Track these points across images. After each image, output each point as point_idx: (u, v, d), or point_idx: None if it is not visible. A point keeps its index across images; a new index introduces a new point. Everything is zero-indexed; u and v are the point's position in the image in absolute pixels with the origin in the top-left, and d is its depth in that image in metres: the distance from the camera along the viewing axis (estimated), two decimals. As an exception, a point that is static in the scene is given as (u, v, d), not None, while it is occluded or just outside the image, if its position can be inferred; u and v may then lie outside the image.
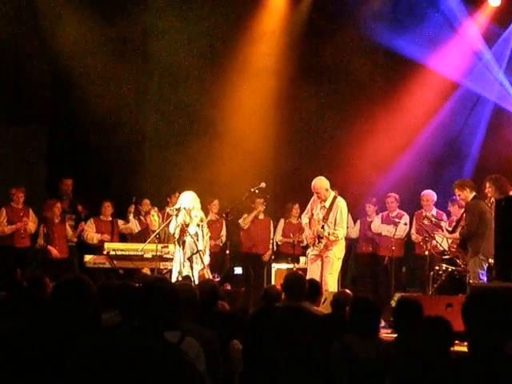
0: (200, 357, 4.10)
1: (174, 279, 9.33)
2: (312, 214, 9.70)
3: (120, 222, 11.36)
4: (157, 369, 3.15)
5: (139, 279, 9.16)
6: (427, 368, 4.14)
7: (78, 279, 3.86)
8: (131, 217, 11.30)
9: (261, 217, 11.93)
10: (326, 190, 9.57)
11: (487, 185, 9.49)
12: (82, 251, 10.84)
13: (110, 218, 11.29)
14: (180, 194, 11.01)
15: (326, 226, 9.46)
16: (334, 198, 9.61)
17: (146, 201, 11.57)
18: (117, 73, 12.04)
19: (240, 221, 11.67)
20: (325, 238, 9.42)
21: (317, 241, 9.50)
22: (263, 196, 10.84)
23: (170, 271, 9.87)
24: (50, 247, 10.72)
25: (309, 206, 9.85)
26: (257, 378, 3.88)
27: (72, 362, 3.24)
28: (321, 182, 9.58)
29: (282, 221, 11.96)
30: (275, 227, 11.98)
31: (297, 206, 11.72)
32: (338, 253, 9.51)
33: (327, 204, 9.57)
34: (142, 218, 11.47)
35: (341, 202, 9.60)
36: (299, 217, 11.61)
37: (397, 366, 4.31)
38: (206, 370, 4.37)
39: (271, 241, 11.92)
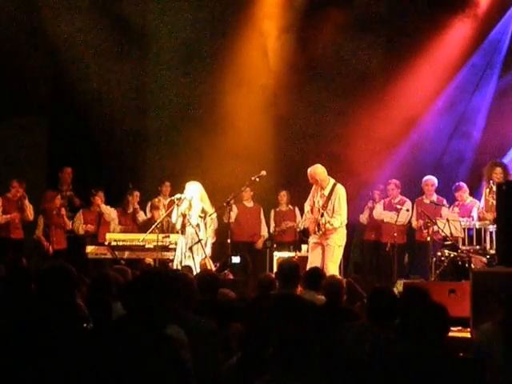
0: (183, 346, 4.10)
1: (174, 268, 9.35)
2: (313, 202, 9.65)
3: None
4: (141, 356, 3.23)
5: (142, 269, 9.15)
6: (422, 355, 4.15)
7: (60, 267, 3.93)
8: (104, 207, 11.22)
9: (250, 205, 11.87)
10: (322, 178, 9.50)
11: (499, 170, 9.46)
12: (83, 242, 10.83)
13: (99, 209, 11.26)
14: (170, 183, 11.05)
15: (325, 214, 9.41)
16: (334, 185, 9.52)
17: (137, 193, 11.51)
18: (117, 64, 12.01)
19: (223, 217, 11.55)
20: (321, 225, 9.38)
21: (316, 229, 9.47)
22: (249, 184, 10.68)
23: (172, 261, 9.90)
24: (46, 243, 10.73)
25: (310, 194, 9.82)
26: (253, 367, 3.88)
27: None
28: (315, 170, 9.50)
29: (272, 211, 11.92)
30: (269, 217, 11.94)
31: (283, 192, 11.70)
32: (338, 240, 9.46)
33: (326, 192, 9.49)
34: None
35: (340, 190, 9.50)
36: (288, 203, 11.62)
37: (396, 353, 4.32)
38: (205, 360, 4.36)
39: (265, 228, 11.85)
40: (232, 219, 11.29)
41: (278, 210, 11.87)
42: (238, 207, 11.67)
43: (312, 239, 9.60)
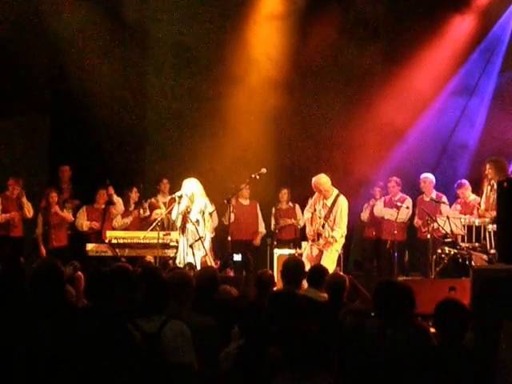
0: (184, 340, 4.12)
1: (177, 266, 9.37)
2: (315, 209, 9.66)
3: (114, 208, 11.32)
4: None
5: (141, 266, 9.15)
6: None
7: (50, 264, 4.00)
8: (115, 198, 11.23)
9: (246, 202, 11.82)
10: (326, 188, 9.53)
11: (487, 166, 9.51)
12: (83, 239, 10.83)
13: (103, 206, 11.25)
14: (168, 180, 11.03)
15: (326, 225, 9.42)
16: (337, 196, 9.55)
17: (135, 189, 11.45)
18: (118, 59, 12.02)
19: (223, 219, 11.49)
20: (323, 238, 9.42)
21: (316, 238, 9.49)
22: (250, 181, 10.66)
23: (174, 258, 9.91)
24: (41, 243, 10.76)
25: (312, 201, 9.82)
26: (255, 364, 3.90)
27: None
28: (319, 180, 9.56)
29: (273, 209, 11.91)
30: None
31: (284, 190, 11.69)
32: (337, 246, 9.59)
33: (329, 202, 9.53)
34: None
35: (342, 201, 9.53)
36: (288, 201, 11.61)
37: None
38: (206, 356, 4.36)
39: (262, 224, 11.82)
40: (232, 220, 11.27)
41: (278, 207, 11.85)
42: (235, 206, 11.62)
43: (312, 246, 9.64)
